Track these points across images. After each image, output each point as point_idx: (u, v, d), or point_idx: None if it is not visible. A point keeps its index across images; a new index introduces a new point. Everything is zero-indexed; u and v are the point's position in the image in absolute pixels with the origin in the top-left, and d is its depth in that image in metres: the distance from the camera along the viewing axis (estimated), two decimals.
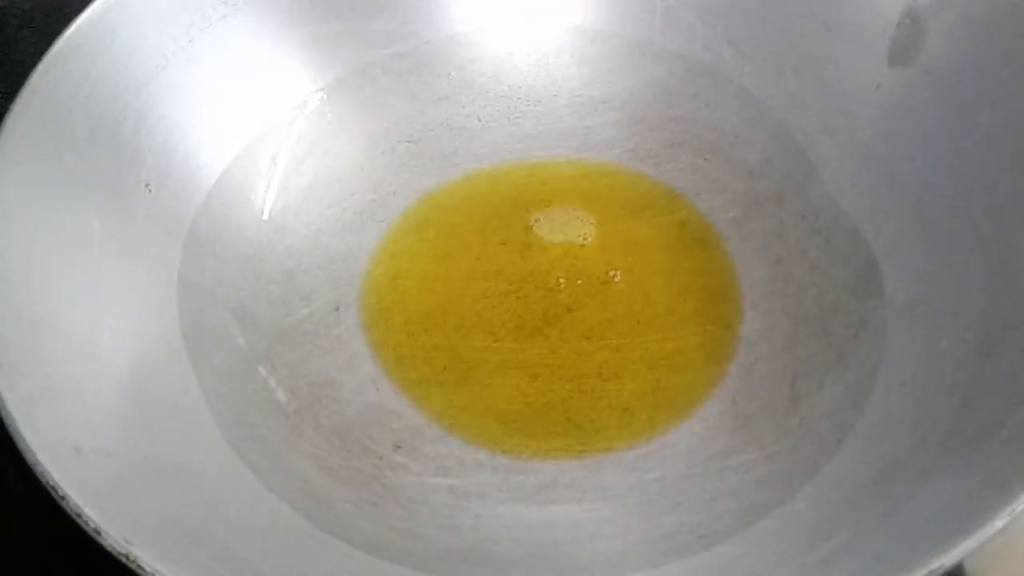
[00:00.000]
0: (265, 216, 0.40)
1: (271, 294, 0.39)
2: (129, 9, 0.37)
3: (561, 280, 0.40)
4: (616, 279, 0.40)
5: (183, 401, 0.33)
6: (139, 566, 0.24)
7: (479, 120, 0.45)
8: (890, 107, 0.38)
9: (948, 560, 0.23)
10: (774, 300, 0.38)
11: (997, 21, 0.35)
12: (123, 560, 0.24)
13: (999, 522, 0.24)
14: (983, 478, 0.26)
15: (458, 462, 0.35)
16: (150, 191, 0.36)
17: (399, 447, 0.35)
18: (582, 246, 0.41)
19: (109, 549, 0.25)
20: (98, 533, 0.25)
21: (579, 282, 0.40)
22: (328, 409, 0.36)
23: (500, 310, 0.39)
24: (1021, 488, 0.24)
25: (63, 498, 0.25)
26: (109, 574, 0.26)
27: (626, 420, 0.36)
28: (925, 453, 0.29)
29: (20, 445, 0.26)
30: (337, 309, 0.40)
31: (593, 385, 0.37)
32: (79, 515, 0.25)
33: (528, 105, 0.45)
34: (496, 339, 0.38)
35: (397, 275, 0.41)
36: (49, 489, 0.25)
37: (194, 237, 0.37)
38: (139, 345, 0.33)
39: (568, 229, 0.41)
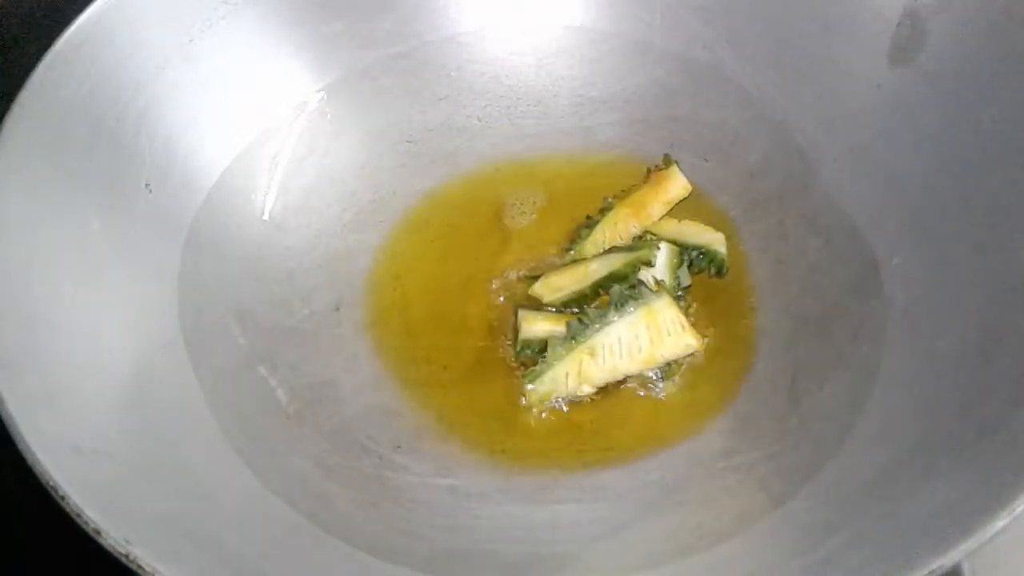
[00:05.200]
0: (265, 216, 0.40)
1: (271, 294, 0.39)
2: (129, 9, 0.37)
3: None
4: None
5: (183, 401, 0.33)
6: (139, 566, 0.24)
7: (480, 120, 0.45)
8: (890, 107, 0.38)
9: (948, 560, 0.23)
10: (774, 300, 0.38)
11: (997, 21, 0.35)
12: (123, 560, 0.24)
13: (999, 522, 0.24)
14: (983, 478, 0.26)
15: (458, 462, 0.35)
16: (150, 191, 0.36)
17: (399, 447, 0.35)
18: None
19: (109, 549, 0.25)
20: (98, 533, 0.25)
21: None
22: (328, 409, 0.36)
23: (501, 310, 0.39)
24: (1021, 488, 0.24)
25: (63, 498, 0.25)
26: (109, 574, 0.26)
27: (627, 421, 0.36)
28: (925, 453, 0.29)
29: (20, 445, 0.26)
30: (337, 309, 0.40)
31: None
32: (79, 515, 0.25)
33: (529, 105, 0.45)
34: (497, 339, 0.39)
35: (398, 275, 0.41)
36: (49, 489, 0.25)
37: (194, 237, 0.37)
38: (139, 345, 0.33)
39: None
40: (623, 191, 0.41)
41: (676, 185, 0.41)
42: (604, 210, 0.41)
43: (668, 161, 0.42)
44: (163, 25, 0.38)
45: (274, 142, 0.41)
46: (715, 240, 0.39)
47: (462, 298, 0.40)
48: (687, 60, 0.44)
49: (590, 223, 0.41)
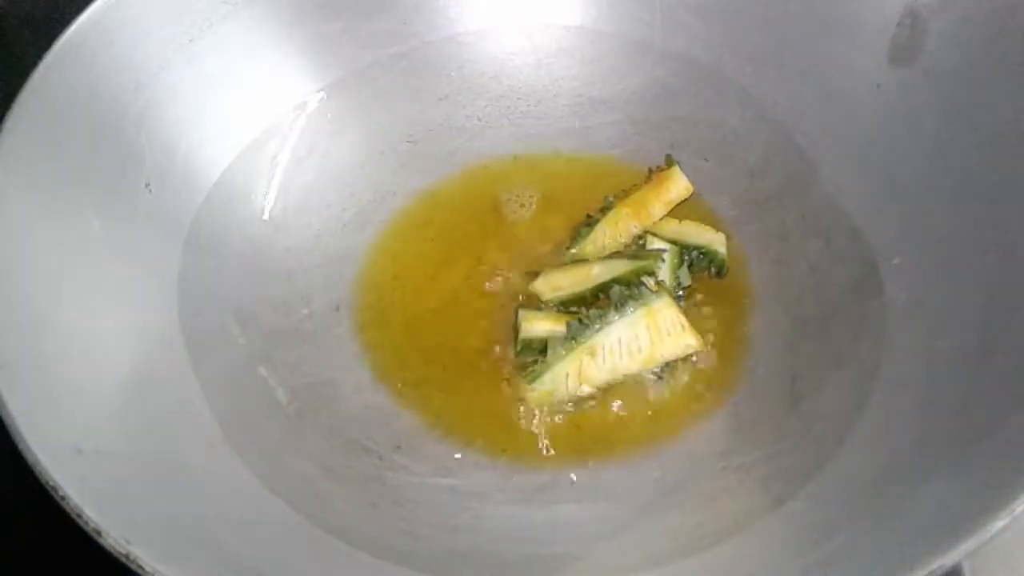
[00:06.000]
0: (265, 216, 0.40)
1: (271, 294, 0.39)
2: (129, 9, 0.37)
3: None
4: None
5: (183, 401, 0.33)
6: (139, 566, 0.24)
7: (479, 120, 0.45)
8: (890, 108, 0.38)
9: (948, 560, 0.23)
10: (774, 300, 0.38)
11: (997, 21, 0.35)
12: (123, 560, 0.24)
13: (999, 522, 0.24)
14: (983, 478, 0.26)
15: (458, 462, 0.35)
16: (150, 191, 0.36)
17: (399, 447, 0.35)
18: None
19: (109, 549, 0.25)
20: (98, 533, 0.25)
21: None
22: (328, 409, 0.36)
23: (501, 310, 0.39)
24: (1021, 488, 0.24)
25: (63, 498, 0.25)
26: (109, 574, 0.26)
27: (627, 421, 0.36)
28: (925, 453, 0.29)
29: (20, 445, 0.26)
30: (337, 309, 0.40)
31: None
32: (79, 515, 0.25)
33: (528, 105, 0.45)
34: (496, 339, 0.38)
35: (397, 275, 0.41)
36: (49, 489, 0.25)
37: (194, 237, 0.37)
38: (139, 345, 0.33)
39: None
40: (624, 191, 0.41)
41: (678, 186, 0.41)
42: (605, 209, 0.41)
43: (670, 161, 0.42)
44: (163, 25, 0.38)
45: (274, 142, 0.41)
46: (715, 240, 0.39)
47: (462, 298, 0.40)
48: (687, 60, 0.44)
49: (591, 222, 0.41)
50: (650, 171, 0.42)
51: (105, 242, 0.34)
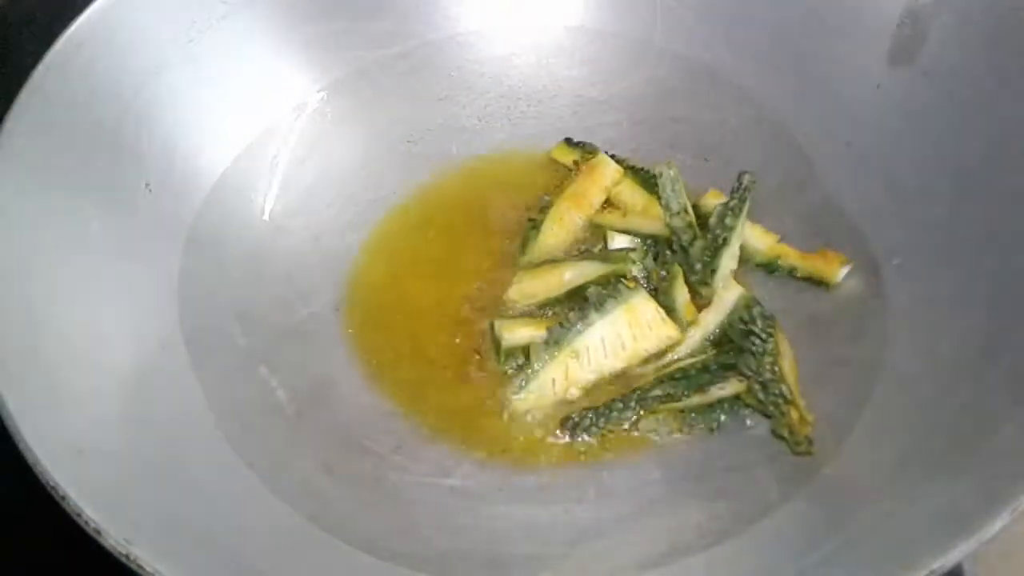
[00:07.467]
0: (265, 216, 0.40)
1: (271, 294, 0.39)
2: (129, 9, 0.37)
3: None
4: None
5: (183, 401, 0.33)
6: (139, 566, 0.24)
7: (479, 120, 0.45)
8: (890, 107, 0.38)
9: (948, 560, 0.23)
10: (775, 301, 0.38)
11: (997, 21, 0.35)
12: (123, 560, 0.25)
13: (999, 522, 0.24)
14: (983, 478, 0.26)
15: (458, 462, 0.35)
16: (150, 191, 0.36)
17: (399, 447, 0.35)
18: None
19: (109, 549, 0.25)
20: (98, 533, 0.25)
21: None
22: (328, 409, 0.36)
23: (501, 310, 0.39)
24: (1021, 488, 0.24)
25: (63, 498, 0.25)
26: (109, 574, 0.26)
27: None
28: (925, 453, 0.29)
29: (21, 445, 0.26)
30: (337, 309, 0.40)
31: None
32: (79, 515, 0.25)
33: (528, 105, 0.45)
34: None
35: (397, 275, 0.41)
36: (49, 489, 0.25)
37: (194, 237, 0.37)
38: (139, 345, 0.33)
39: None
40: (557, 187, 0.42)
41: (609, 169, 0.42)
42: (544, 208, 0.41)
43: (592, 149, 0.42)
44: (163, 25, 0.38)
45: (274, 142, 0.41)
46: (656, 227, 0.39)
47: (462, 298, 0.40)
48: (687, 60, 0.44)
49: (535, 224, 0.41)
50: (576, 163, 0.42)
51: (105, 242, 0.34)
